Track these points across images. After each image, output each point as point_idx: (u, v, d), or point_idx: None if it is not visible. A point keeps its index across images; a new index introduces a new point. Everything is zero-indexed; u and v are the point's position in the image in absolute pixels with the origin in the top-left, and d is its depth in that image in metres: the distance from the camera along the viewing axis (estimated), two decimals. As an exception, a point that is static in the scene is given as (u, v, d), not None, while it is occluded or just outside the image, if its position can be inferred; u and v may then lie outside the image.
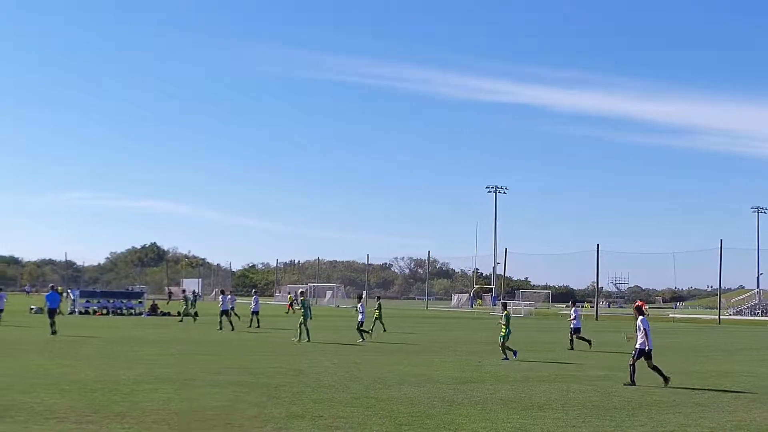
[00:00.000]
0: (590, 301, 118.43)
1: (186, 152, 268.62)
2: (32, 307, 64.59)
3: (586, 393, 20.48)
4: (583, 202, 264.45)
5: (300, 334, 36.93)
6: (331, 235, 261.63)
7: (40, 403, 16.54)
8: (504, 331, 29.37)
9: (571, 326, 36.84)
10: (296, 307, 37.67)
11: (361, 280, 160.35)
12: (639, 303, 23.28)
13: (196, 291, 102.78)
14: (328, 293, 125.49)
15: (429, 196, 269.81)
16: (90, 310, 63.42)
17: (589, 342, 36.59)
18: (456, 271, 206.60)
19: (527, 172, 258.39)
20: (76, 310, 63.01)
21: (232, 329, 44.08)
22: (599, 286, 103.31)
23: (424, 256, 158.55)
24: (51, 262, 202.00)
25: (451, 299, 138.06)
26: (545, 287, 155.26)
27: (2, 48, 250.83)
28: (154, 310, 66.33)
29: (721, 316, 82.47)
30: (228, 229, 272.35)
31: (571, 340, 36.63)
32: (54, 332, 37.58)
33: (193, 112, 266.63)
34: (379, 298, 53.29)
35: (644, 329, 22.09)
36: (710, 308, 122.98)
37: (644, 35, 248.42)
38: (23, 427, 14.17)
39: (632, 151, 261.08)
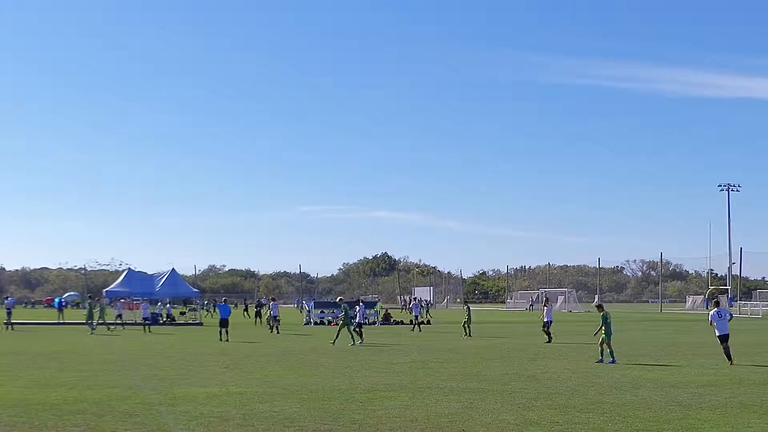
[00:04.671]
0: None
1: (414, 161, 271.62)
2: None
3: (833, 396, 19.65)
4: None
5: (352, 337, 39.06)
6: (561, 239, 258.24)
7: (280, 412, 17.06)
8: (604, 331, 28.92)
9: (544, 320, 41.05)
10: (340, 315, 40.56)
11: (592, 284, 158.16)
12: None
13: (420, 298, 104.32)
14: (560, 298, 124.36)
15: (659, 197, 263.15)
16: (325, 321, 64.85)
17: (549, 338, 40.04)
18: (689, 272, 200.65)
19: (761, 168, 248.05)
20: (312, 320, 64.59)
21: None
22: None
23: (656, 258, 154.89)
24: (286, 274, 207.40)
25: (685, 301, 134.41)
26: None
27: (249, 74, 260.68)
28: (387, 319, 67.44)
29: None
30: (458, 236, 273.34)
31: (547, 333, 40.46)
32: (225, 340, 42.19)
33: (419, 120, 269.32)
34: (466, 302, 55.74)
35: (711, 320, 28.97)
36: None
37: None
38: (266, 435, 14.75)
39: None
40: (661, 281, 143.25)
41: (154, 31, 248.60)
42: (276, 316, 51.39)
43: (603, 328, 28.85)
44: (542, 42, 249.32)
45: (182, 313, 72.86)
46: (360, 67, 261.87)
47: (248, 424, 15.72)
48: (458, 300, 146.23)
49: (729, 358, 27.99)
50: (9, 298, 62.17)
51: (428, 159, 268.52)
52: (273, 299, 56.54)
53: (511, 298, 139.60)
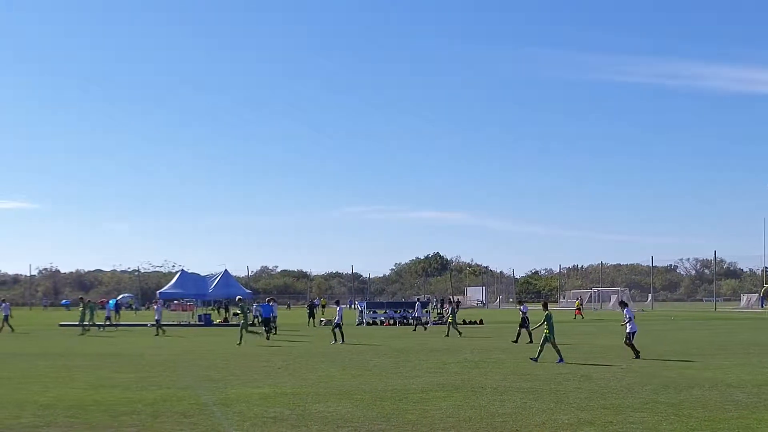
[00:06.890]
0: None
1: (464, 161, 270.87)
2: (321, 319, 66.79)
3: None
4: None
5: (241, 338, 39.96)
6: (613, 238, 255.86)
7: (333, 413, 17.13)
8: (547, 331, 28.96)
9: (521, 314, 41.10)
10: (237, 312, 41.07)
11: (645, 283, 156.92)
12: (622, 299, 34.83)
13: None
14: (613, 297, 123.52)
15: (713, 194, 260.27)
16: (377, 321, 65.04)
17: (516, 338, 40.22)
18: (744, 270, 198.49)
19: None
20: (364, 321, 64.71)
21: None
22: None
23: (710, 256, 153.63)
24: (338, 275, 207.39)
25: (739, 300, 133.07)
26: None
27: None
28: (439, 319, 67.33)
29: None
30: (510, 235, 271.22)
31: (519, 334, 40.32)
32: (268, 338, 43.98)
33: (469, 120, 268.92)
34: (451, 302, 55.36)
35: (629, 317, 30.55)
36: None
37: None
38: (320, 435, 14.79)
39: None
40: (715, 279, 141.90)
41: (227, 31, 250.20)
42: (274, 317, 52.04)
43: (546, 326, 28.98)
44: (593, 41, 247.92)
45: (235, 314, 73.26)
46: (409, 67, 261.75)
47: (302, 424, 15.77)
48: (511, 300, 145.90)
49: (637, 352, 30.23)
50: (4, 303, 57.94)
51: (478, 158, 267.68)
52: (269, 300, 56.79)
53: (564, 298, 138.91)
